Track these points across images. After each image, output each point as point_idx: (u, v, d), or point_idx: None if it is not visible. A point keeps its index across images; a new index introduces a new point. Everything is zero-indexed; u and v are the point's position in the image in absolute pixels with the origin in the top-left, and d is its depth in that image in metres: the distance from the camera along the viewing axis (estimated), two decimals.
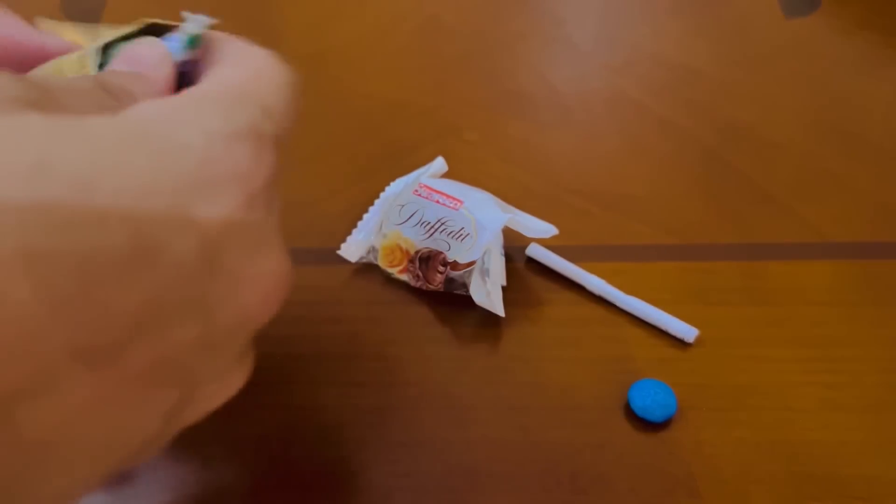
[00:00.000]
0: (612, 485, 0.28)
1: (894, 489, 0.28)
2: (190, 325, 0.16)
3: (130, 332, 0.14)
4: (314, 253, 0.35)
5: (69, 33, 0.21)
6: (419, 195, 0.34)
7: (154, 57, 0.20)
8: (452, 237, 0.32)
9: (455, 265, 0.32)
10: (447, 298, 0.33)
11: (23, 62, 0.20)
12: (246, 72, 0.19)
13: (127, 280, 0.14)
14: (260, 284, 0.18)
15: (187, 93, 0.18)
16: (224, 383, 0.19)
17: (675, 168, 0.39)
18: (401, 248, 0.33)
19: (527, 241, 0.35)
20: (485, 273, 0.32)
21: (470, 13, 0.47)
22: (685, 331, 0.32)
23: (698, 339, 0.32)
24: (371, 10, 0.47)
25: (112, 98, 0.17)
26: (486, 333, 0.32)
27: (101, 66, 0.20)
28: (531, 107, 0.41)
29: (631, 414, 0.30)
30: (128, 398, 0.15)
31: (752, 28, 0.46)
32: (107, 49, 0.20)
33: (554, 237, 0.34)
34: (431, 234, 0.33)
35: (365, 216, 0.36)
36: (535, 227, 0.33)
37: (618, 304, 0.33)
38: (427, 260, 0.32)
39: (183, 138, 0.16)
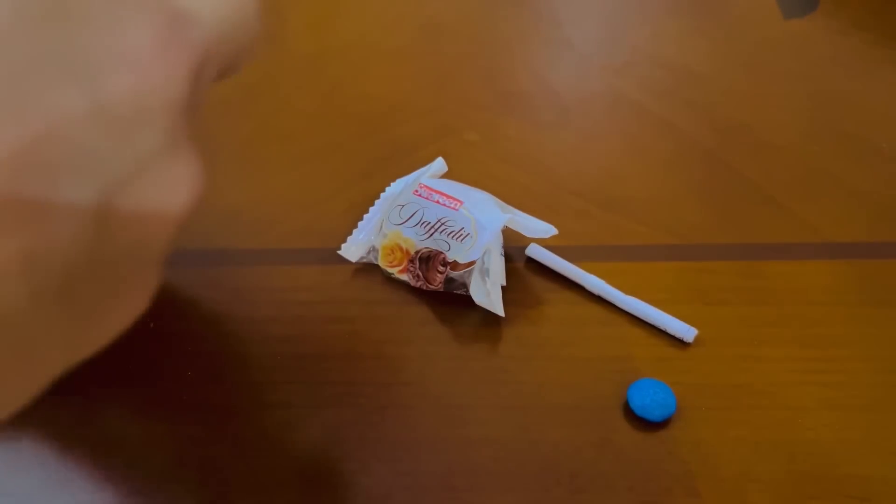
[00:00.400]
0: (611, 484, 0.28)
1: (893, 488, 0.28)
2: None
3: None
4: (315, 253, 0.35)
5: None
6: (419, 195, 0.34)
7: None
8: (452, 237, 0.32)
9: (455, 265, 0.32)
10: (447, 298, 0.33)
11: None
12: None
13: None
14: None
15: None
16: (119, 290, 0.16)
17: (675, 168, 0.39)
18: (401, 248, 0.33)
19: (526, 241, 0.35)
20: (485, 273, 0.32)
21: (470, 14, 0.47)
22: (684, 330, 0.32)
23: (697, 339, 0.32)
24: (371, 11, 0.47)
25: None
26: (486, 333, 0.33)
27: None
28: (531, 107, 0.42)
29: (630, 413, 0.30)
30: None
31: (750, 29, 0.46)
32: None
33: (553, 237, 0.34)
34: (431, 234, 0.33)
35: (365, 216, 0.36)
36: (535, 228, 0.33)
37: (617, 303, 0.33)
38: (427, 260, 0.32)
39: None
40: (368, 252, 0.34)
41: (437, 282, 0.32)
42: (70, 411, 0.30)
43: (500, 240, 0.34)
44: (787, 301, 0.33)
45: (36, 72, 0.13)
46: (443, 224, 0.33)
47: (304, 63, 0.44)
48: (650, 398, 0.29)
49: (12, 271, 0.13)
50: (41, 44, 0.13)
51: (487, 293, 0.32)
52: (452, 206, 0.33)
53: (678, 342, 0.32)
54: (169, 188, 0.16)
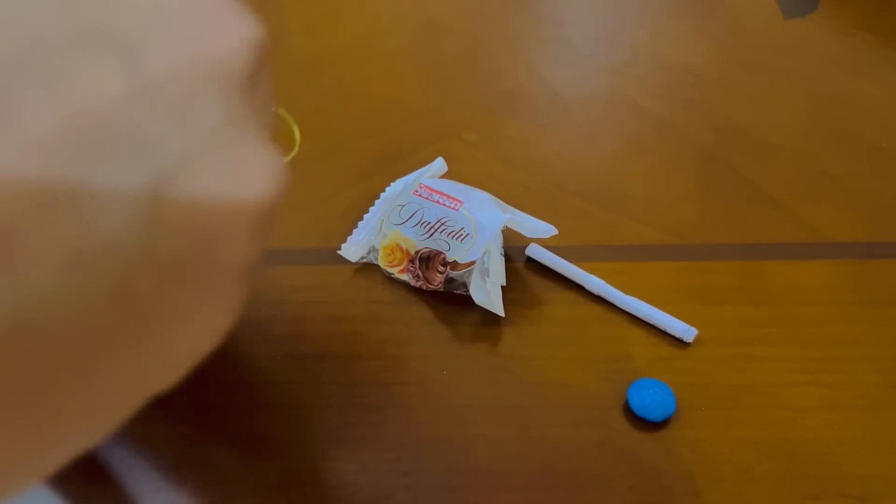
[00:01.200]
0: (611, 484, 0.28)
1: (892, 488, 0.28)
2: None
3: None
4: (315, 253, 0.35)
5: None
6: (419, 195, 0.34)
7: None
8: (452, 237, 0.32)
9: (455, 265, 0.32)
10: (447, 298, 0.33)
11: None
12: None
13: None
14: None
15: None
16: (199, 310, 0.14)
17: (674, 168, 0.39)
18: (401, 248, 0.33)
19: (526, 241, 0.35)
20: (485, 273, 0.32)
21: (470, 14, 0.47)
22: (684, 330, 0.32)
23: (697, 339, 0.32)
24: (371, 11, 0.47)
25: None
26: (486, 333, 0.33)
27: None
28: (531, 107, 0.42)
29: (630, 413, 0.30)
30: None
31: (750, 29, 0.46)
32: None
33: (553, 237, 0.34)
34: (431, 234, 0.33)
35: (365, 216, 0.36)
36: (535, 227, 0.33)
37: (617, 303, 0.33)
38: (427, 260, 0.32)
39: None
40: (368, 252, 0.34)
41: (437, 282, 0.32)
42: None
43: (500, 240, 0.34)
44: (787, 301, 0.33)
45: (72, 46, 0.12)
46: (443, 224, 0.33)
47: (304, 63, 0.44)
48: (650, 398, 0.29)
49: (51, 267, 0.11)
50: (77, 14, 0.12)
51: (487, 293, 0.32)
52: (452, 206, 0.33)
53: (678, 342, 0.32)
54: (237, 175, 0.13)
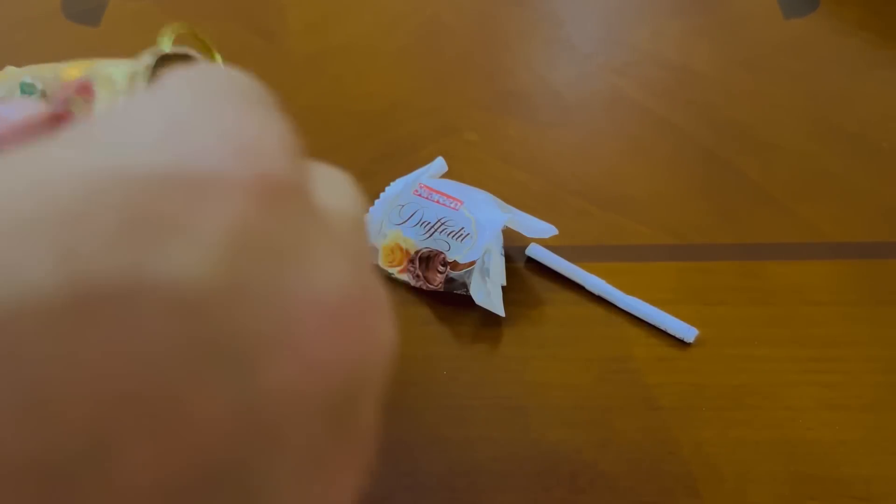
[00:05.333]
0: (611, 484, 0.28)
1: (893, 488, 0.28)
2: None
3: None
4: None
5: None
6: (419, 195, 0.34)
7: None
8: (452, 237, 0.32)
9: (455, 265, 0.32)
10: (447, 298, 0.33)
11: None
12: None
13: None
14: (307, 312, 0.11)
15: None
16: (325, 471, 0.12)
17: (675, 168, 0.39)
18: (401, 248, 0.33)
19: (527, 241, 0.35)
20: (485, 273, 0.32)
21: (470, 13, 0.47)
22: (685, 330, 0.32)
23: (698, 339, 0.32)
24: (371, 10, 0.47)
25: None
26: (486, 333, 0.33)
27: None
28: (531, 107, 0.42)
29: (630, 413, 0.30)
30: None
31: (750, 28, 0.46)
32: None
33: (553, 237, 0.34)
34: (431, 234, 0.33)
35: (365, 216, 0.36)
36: (535, 227, 0.33)
37: (617, 303, 0.33)
38: (427, 260, 0.32)
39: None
40: None
41: (437, 282, 0.32)
42: None
43: (500, 240, 0.34)
44: (787, 301, 0.33)
45: (186, 367, 0.09)
46: (443, 224, 0.33)
47: (304, 63, 0.44)
48: None
49: None
50: (202, 327, 0.10)
51: (488, 293, 0.32)
52: (452, 206, 0.33)
53: (678, 342, 0.32)
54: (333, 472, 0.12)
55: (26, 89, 0.18)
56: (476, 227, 0.32)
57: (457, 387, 0.31)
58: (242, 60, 0.44)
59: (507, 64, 0.44)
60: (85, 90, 0.19)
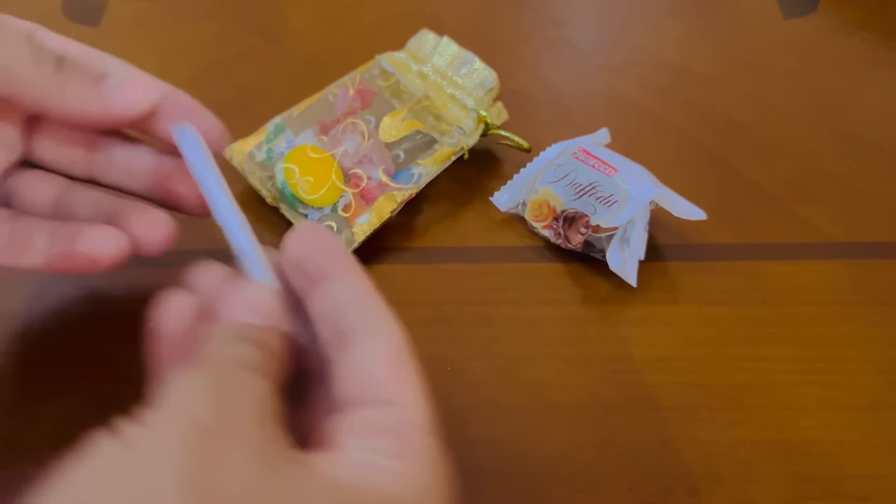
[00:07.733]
0: (611, 484, 0.28)
1: (893, 488, 0.28)
2: None
3: None
4: None
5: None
6: (577, 158, 0.35)
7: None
8: (601, 202, 0.33)
9: (597, 228, 0.32)
10: (449, 295, 0.33)
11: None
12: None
13: None
14: None
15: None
16: None
17: (675, 168, 0.39)
18: (549, 205, 0.34)
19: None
20: (625, 242, 0.32)
21: (470, 13, 0.47)
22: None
23: (697, 339, 0.32)
24: (371, 11, 0.47)
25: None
26: (487, 333, 0.33)
27: None
28: (531, 107, 0.42)
29: (630, 413, 0.30)
30: None
31: (750, 29, 0.46)
32: None
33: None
34: (581, 196, 0.33)
35: (515, 176, 0.36)
36: (684, 208, 0.34)
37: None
38: (571, 220, 0.33)
39: None
40: (518, 205, 0.35)
41: (576, 242, 0.33)
42: (69, 411, 0.30)
43: (646, 213, 0.33)
44: (788, 301, 0.33)
45: None
46: (594, 188, 0.33)
47: (304, 63, 0.44)
48: None
49: None
50: None
51: (623, 261, 0.32)
52: (606, 172, 0.34)
53: (678, 342, 0.32)
54: None
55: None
56: (626, 196, 0.33)
57: (456, 386, 0.31)
58: (243, 60, 0.44)
59: (506, 64, 0.44)
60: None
